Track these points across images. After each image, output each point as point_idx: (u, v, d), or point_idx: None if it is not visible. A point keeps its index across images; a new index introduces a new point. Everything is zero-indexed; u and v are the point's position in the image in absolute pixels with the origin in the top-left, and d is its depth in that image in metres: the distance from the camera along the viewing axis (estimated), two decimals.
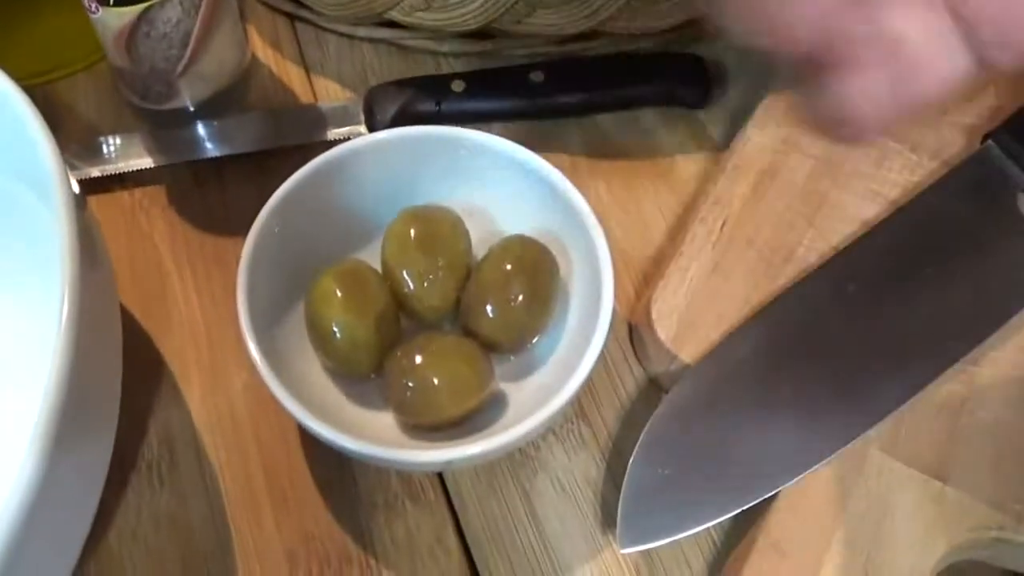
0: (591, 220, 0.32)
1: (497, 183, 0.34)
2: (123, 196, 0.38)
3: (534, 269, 0.32)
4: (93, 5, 0.35)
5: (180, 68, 0.37)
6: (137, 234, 0.38)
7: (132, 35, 0.36)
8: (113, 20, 0.35)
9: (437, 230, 0.33)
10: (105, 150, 0.39)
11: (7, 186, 0.33)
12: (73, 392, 0.24)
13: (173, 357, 0.35)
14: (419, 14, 0.38)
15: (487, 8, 0.37)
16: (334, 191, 0.34)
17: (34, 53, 0.41)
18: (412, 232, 0.33)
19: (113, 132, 0.39)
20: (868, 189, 0.37)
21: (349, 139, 0.38)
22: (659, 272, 0.35)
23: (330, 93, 0.40)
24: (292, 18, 0.42)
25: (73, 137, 0.40)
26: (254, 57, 0.41)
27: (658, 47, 0.40)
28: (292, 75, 0.41)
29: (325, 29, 0.41)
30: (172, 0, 0.35)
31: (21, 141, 0.30)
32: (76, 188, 0.28)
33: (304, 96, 0.41)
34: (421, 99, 0.38)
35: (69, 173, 0.28)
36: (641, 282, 0.36)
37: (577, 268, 0.33)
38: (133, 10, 0.35)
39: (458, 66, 0.40)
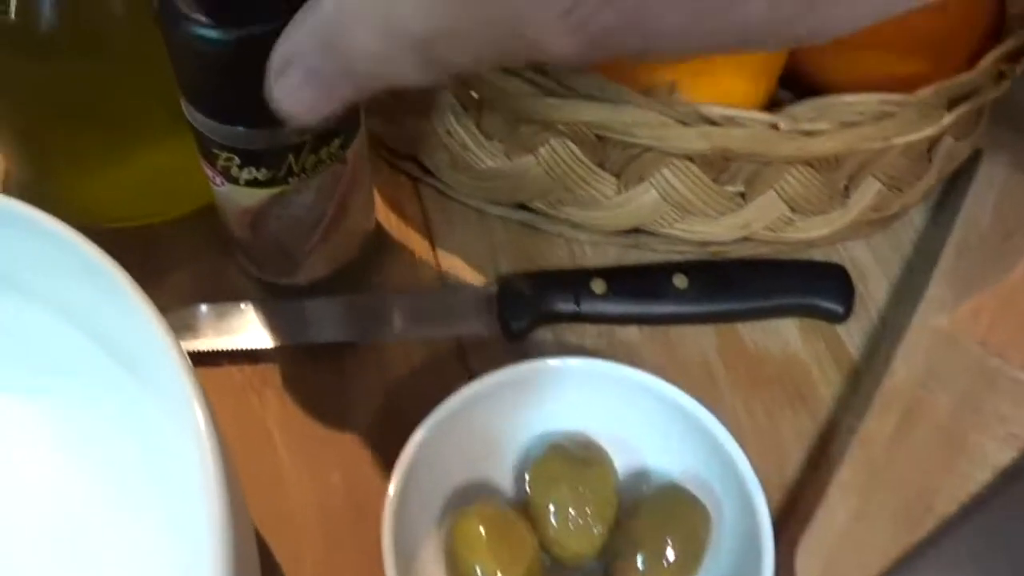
0: (751, 479, 0.33)
1: (646, 416, 0.35)
2: (232, 372, 0.38)
3: (688, 526, 0.33)
4: (217, 178, 0.35)
5: (308, 248, 0.37)
6: (249, 416, 0.37)
7: (260, 215, 0.36)
8: (241, 198, 0.35)
9: (586, 472, 0.34)
10: (214, 319, 0.38)
11: (117, 379, 0.33)
12: None
13: (287, 559, 0.35)
14: (566, 208, 0.38)
15: (641, 215, 0.38)
16: (474, 423, 0.34)
17: (139, 193, 0.41)
18: (560, 471, 0.34)
19: (221, 290, 0.39)
20: (1008, 432, 0.38)
21: (477, 334, 0.38)
22: (796, 510, 0.36)
23: (455, 266, 0.41)
24: (416, 180, 0.42)
25: (176, 296, 0.39)
26: (376, 221, 0.41)
27: (801, 252, 0.41)
28: (414, 242, 0.41)
29: (451, 197, 0.41)
30: (309, 186, 0.35)
31: (142, 342, 0.30)
32: (208, 411, 0.27)
33: (427, 266, 0.41)
34: (559, 298, 0.38)
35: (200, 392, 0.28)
36: (777, 516, 0.37)
37: (729, 516, 0.34)
38: (266, 192, 0.35)
39: (591, 253, 0.41)
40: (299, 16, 0.22)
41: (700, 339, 0.40)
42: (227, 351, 0.38)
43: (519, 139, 0.37)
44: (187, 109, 0.33)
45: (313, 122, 0.24)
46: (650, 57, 0.20)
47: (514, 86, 0.34)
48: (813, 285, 0.40)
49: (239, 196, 0.35)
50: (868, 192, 0.39)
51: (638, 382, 0.34)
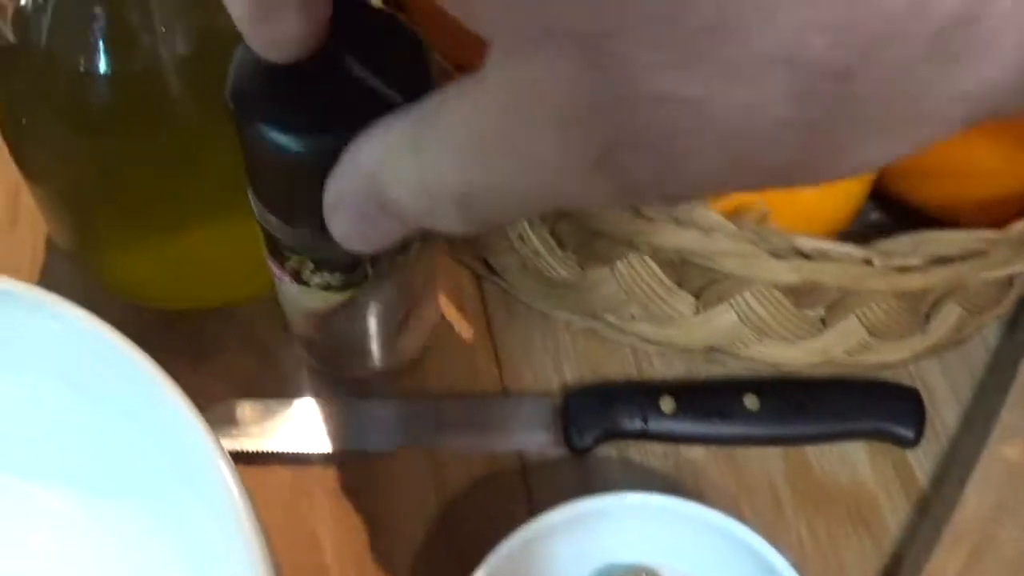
0: None
1: (712, 553, 0.34)
2: (281, 473, 0.37)
3: None
4: (285, 278, 0.33)
5: (375, 345, 0.36)
6: (297, 520, 0.36)
7: (327, 317, 0.34)
8: (309, 300, 0.34)
9: None
10: (263, 417, 0.37)
11: (155, 474, 0.32)
12: None
13: None
14: (640, 325, 0.37)
15: (717, 336, 0.36)
16: (536, 556, 0.33)
17: (189, 278, 0.39)
18: None
19: (273, 378, 0.38)
20: None
21: (539, 449, 0.37)
22: None
23: (517, 369, 0.39)
24: (479, 276, 0.40)
25: (225, 382, 0.38)
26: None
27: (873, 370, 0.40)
28: (475, 341, 0.40)
29: (516, 297, 0.40)
30: (382, 288, 0.33)
31: (181, 441, 0.29)
32: (253, 514, 0.27)
33: (487, 367, 0.39)
34: (627, 415, 0.37)
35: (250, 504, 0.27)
36: None
37: None
38: (337, 296, 0.33)
39: (659, 364, 0.39)
40: (344, 159, 0.22)
41: (767, 461, 0.39)
42: (276, 452, 0.37)
43: (595, 251, 0.36)
44: (257, 208, 0.31)
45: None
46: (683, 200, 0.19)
47: None
48: (885, 408, 0.39)
49: (307, 299, 0.34)
50: (949, 317, 0.38)
51: (705, 519, 0.33)
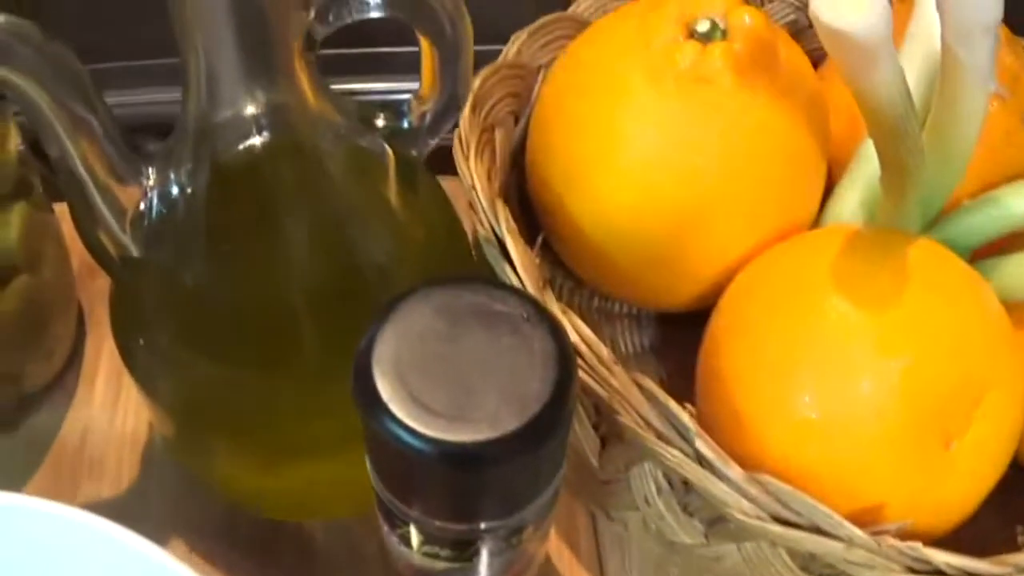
0: None
1: None
2: None
3: None
4: (393, 537, 0.33)
5: None
6: None
7: (425, 570, 0.34)
8: (417, 560, 0.33)
9: None
10: None
11: None
12: None
13: None
14: None
15: None
16: None
17: (297, 497, 0.39)
18: None
19: None
20: None
21: None
22: None
23: None
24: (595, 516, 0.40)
25: None
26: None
27: None
28: None
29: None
30: (499, 558, 0.33)
31: None
32: None
33: None
34: None
35: None
36: None
37: None
38: (442, 564, 0.33)
39: None
40: None
41: None
42: None
43: (725, 528, 0.36)
44: (373, 477, 0.30)
45: None
46: None
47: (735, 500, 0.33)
48: None
49: (411, 557, 0.33)
50: None
51: None
